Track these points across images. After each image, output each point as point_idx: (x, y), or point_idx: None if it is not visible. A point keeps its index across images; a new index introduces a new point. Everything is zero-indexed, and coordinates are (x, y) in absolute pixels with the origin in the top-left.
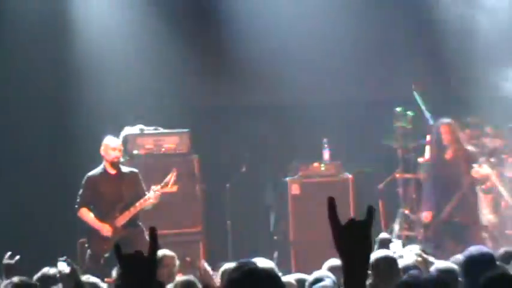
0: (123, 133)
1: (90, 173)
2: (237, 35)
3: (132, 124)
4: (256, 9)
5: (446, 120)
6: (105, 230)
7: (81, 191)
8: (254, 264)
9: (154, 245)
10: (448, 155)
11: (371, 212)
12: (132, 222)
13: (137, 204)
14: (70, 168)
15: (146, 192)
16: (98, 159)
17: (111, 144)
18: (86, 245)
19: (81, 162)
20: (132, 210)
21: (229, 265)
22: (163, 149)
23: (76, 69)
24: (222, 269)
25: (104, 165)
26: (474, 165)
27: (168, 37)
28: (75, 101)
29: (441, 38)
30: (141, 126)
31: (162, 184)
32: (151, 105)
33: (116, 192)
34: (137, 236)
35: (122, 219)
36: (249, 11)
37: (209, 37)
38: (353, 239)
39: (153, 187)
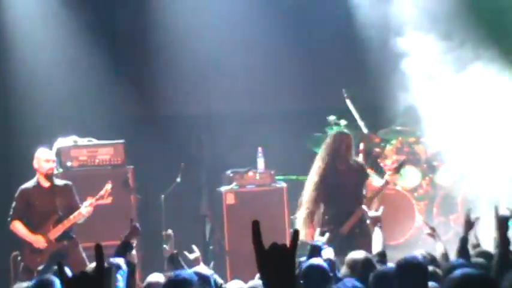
0: (56, 145)
1: (23, 186)
2: (169, 44)
3: (66, 136)
4: (186, 20)
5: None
6: (39, 242)
7: (14, 204)
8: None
9: (101, 264)
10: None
11: (296, 236)
12: (66, 235)
13: (71, 217)
14: (2, 181)
15: (80, 205)
16: (31, 171)
17: (43, 157)
18: (19, 258)
19: (14, 175)
20: (66, 223)
21: (155, 277)
22: (97, 161)
23: (8, 82)
24: (147, 280)
25: (38, 178)
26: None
27: (100, 49)
28: (7, 114)
29: (363, 47)
30: (74, 137)
31: (96, 197)
32: (84, 117)
33: (49, 204)
34: (71, 249)
35: (56, 232)
36: (179, 21)
37: (141, 47)
38: (276, 264)
39: (88, 200)
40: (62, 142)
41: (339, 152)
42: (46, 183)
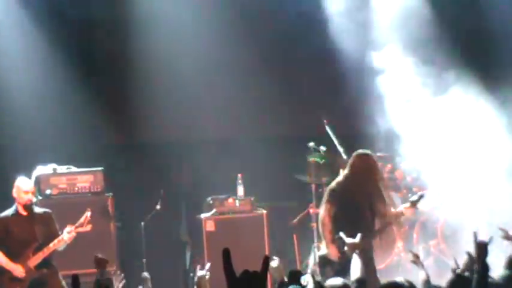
0: (35, 173)
1: (2, 214)
2: (148, 72)
3: (45, 164)
4: (164, 47)
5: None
6: (18, 271)
7: None
8: None
9: None
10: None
11: (266, 262)
12: (46, 263)
13: (51, 245)
14: None
15: (60, 232)
16: (10, 200)
17: (23, 187)
18: None
19: None
20: (46, 251)
21: None
22: (76, 188)
23: None
24: None
25: (16, 206)
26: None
27: (78, 77)
28: None
29: (342, 73)
30: (53, 165)
31: (76, 224)
32: (64, 145)
33: (28, 232)
34: (51, 277)
35: (35, 260)
36: (158, 48)
37: (120, 75)
38: None
39: (67, 227)
40: (41, 170)
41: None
42: (24, 212)
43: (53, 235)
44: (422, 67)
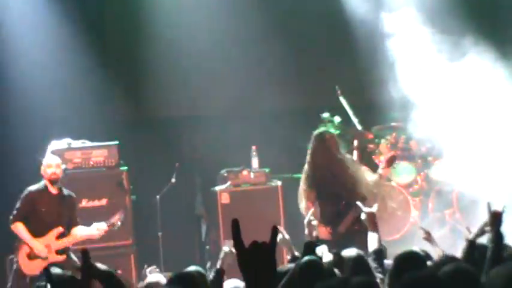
0: (50, 147)
1: (31, 188)
2: (161, 46)
3: (59, 138)
4: (175, 21)
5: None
6: (41, 251)
7: (18, 204)
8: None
9: (87, 268)
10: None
11: (275, 234)
12: (66, 249)
13: (78, 235)
14: None
15: (78, 220)
16: (27, 174)
17: (45, 162)
18: (15, 260)
19: (9, 178)
20: (71, 240)
21: (154, 277)
22: (91, 163)
23: (1, 84)
24: (147, 280)
25: (45, 183)
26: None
27: (93, 52)
28: (1, 117)
29: (355, 41)
30: (68, 140)
31: (108, 224)
32: (78, 119)
33: (55, 213)
34: (67, 265)
35: (60, 245)
36: (169, 22)
37: (133, 50)
38: (255, 261)
39: (100, 224)
40: (56, 145)
41: (329, 152)
42: (54, 190)
43: (73, 220)
44: (438, 35)
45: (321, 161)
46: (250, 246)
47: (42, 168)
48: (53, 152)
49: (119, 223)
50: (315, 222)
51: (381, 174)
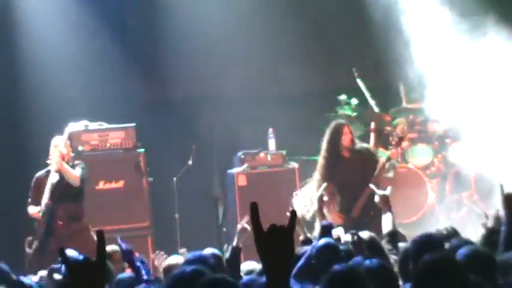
0: (67, 129)
1: (38, 174)
2: (178, 28)
3: (77, 120)
4: (193, 1)
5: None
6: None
7: (30, 191)
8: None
9: (103, 250)
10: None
11: (293, 217)
12: (77, 218)
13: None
14: (15, 167)
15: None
16: (43, 157)
17: (52, 143)
18: (32, 240)
19: (26, 160)
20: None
21: (173, 259)
22: (108, 145)
23: (17, 67)
24: (166, 262)
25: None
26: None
27: (110, 33)
28: (18, 99)
29: (373, 23)
30: (85, 122)
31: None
32: (95, 101)
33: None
34: (81, 232)
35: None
36: (187, 3)
37: (150, 31)
38: (274, 245)
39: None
40: (73, 126)
41: (340, 143)
42: (56, 169)
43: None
44: (457, 16)
45: (335, 151)
46: (269, 229)
47: (51, 146)
48: (70, 134)
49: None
50: (326, 198)
51: (388, 156)
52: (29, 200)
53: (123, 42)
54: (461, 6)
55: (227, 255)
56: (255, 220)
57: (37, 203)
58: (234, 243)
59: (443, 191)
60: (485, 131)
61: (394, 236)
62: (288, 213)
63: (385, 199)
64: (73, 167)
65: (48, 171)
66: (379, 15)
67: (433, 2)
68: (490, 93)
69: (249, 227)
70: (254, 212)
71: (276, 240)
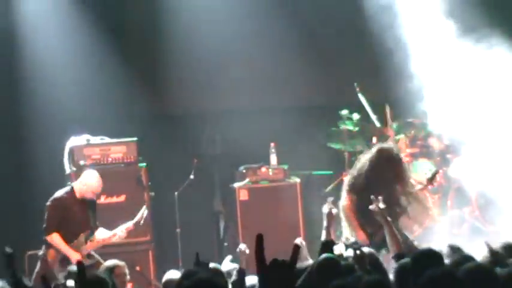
0: (69, 144)
1: (57, 195)
2: (180, 42)
3: (78, 134)
4: (195, 17)
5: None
6: (76, 258)
7: (48, 214)
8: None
9: (82, 282)
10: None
11: (296, 251)
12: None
13: (107, 237)
14: (14, 179)
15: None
16: (46, 171)
17: (95, 188)
18: (41, 262)
19: (29, 175)
20: (101, 242)
21: (173, 274)
22: (110, 159)
23: (20, 82)
24: (165, 277)
25: (73, 189)
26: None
27: (112, 48)
28: (20, 114)
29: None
30: (87, 136)
31: (133, 221)
32: (97, 115)
33: (83, 217)
34: (95, 265)
35: (89, 248)
36: (188, 19)
37: (152, 46)
38: (275, 279)
39: (125, 224)
40: (75, 141)
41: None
42: (80, 197)
43: (95, 224)
44: (460, 29)
45: (383, 176)
46: (271, 263)
47: (87, 186)
48: (72, 148)
49: (142, 220)
50: (335, 211)
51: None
52: (47, 224)
53: (125, 57)
54: (467, 19)
55: (233, 277)
56: (259, 252)
57: (57, 227)
58: (238, 266)
59: (444, 206)
60: (487, 145)
61: (401, 258)
62: (296, 241)
63: (382, 213)
64: (92, 200)
65: (70, 195)
66: (381, 30)
67: (437, 16)
68: (493, 106)
69: (247, 251)
70: (259, 243)
71: (277, 275)
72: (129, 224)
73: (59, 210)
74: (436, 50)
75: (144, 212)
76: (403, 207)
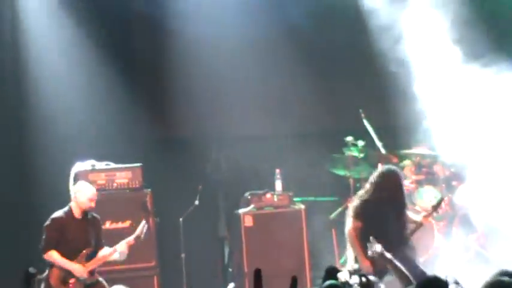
0: (74, 169)
1: (55, 216)
2: (186, 67)
3: (83, 160)
4: (200, 42)
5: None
6: (80, 271)
7: (46, 234)
8: None
9: None
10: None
11: (294, 283)
12: (93, 271)
13: (107, 253)
14: (18, 203)
15: (103, 241)
16: (50, 195)
17: (89, 195)
18: (44, 282)
19: (33, 200)
20: (102, 259)
21: None
22: (115, 184)
23: (25, 106)
24: None
25: (71, 208)
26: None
27: (116, 73)
28: (25, 139)
29: (379, 66)
30: (92, 161)
31: (134, 236)
32: (102, 141)
33: (83, 237)
34: (98, 284)
35: (90, 266)
36: (194, 44)
37: (157, 70)
38: None
39: (127, 240)
40: (80, 166)
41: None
42: (78, 215)
43: (99, 243)
44: (469, 57)
45: (388, 194)
46: None
47: (81, 196)
48: (77, 174)
49: (143, 235)
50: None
51: (420, 222)
52: (44, 243)
53: (130, 81)
54: (473, 45)
55: None
56: (257, 286)
57: (55, 246)
58: None
59: (450, 233)
60: (493, 172)
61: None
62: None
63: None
64: (95, 219)
65: (69, 215)
66: (386, 57)
67: (443, 41)
68: (496, 136)
69: None
70: (257, 277)
71: None
72: (130, 239)
73: (56, 230)
74: (442, 74)
75: (144, 226)
76: (411, 230)
